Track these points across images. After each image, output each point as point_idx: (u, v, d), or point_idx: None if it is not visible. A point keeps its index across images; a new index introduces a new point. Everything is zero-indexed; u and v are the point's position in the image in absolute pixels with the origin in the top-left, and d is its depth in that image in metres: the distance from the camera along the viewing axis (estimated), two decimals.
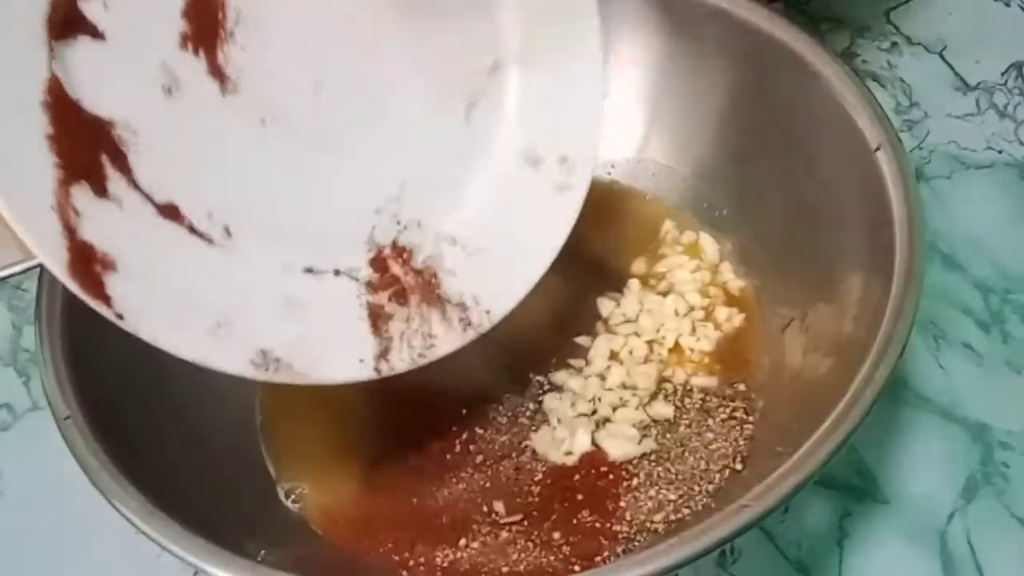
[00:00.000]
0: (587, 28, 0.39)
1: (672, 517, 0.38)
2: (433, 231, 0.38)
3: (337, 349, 0.35)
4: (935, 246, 0.49)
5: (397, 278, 0.36)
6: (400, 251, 0.37)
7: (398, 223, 0.37)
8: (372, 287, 0.36)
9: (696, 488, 0.39)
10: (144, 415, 0.38)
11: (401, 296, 0.36)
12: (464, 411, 0.42)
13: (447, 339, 0.37)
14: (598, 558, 0.37)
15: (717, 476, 0.39)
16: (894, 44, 0.59)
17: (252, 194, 0.34)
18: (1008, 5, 0.60)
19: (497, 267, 0.38)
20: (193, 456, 0.39)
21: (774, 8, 0.43)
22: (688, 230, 0.47)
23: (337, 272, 0.35)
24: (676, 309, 0.45)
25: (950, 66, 0.57)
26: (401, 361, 0.36)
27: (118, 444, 0.34)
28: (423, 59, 0.37)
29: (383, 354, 0.35)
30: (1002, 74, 0.57)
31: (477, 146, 0.39)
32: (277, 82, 0.34)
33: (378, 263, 0.36)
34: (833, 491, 0.42)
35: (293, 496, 0.41)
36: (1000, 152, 0.53)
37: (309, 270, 0.35)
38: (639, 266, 0.47)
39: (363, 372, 0.35)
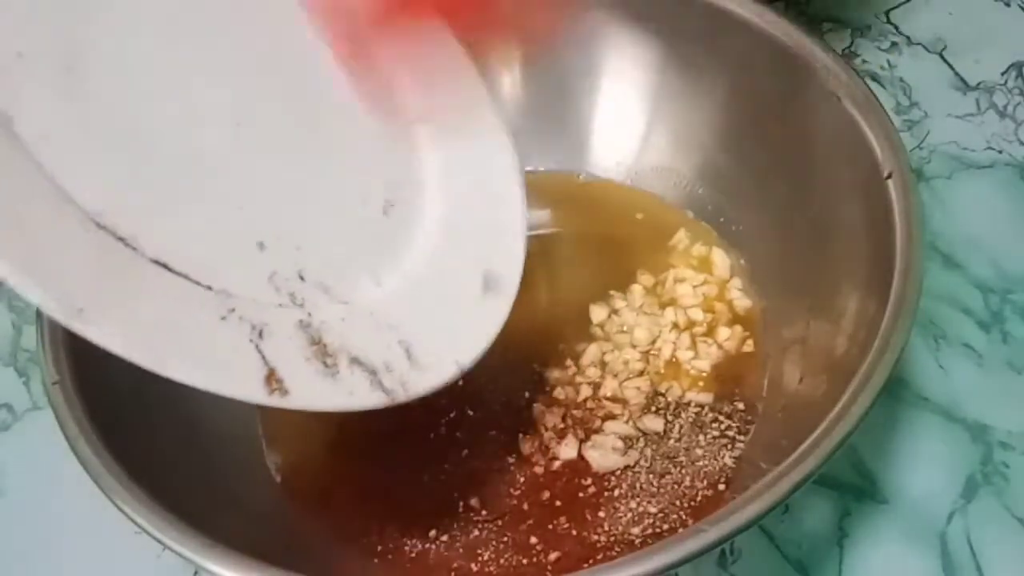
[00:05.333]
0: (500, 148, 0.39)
1: (650, 531, 0.38)
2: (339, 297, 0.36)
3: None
4: (935, 246, 0.49)
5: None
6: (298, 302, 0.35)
7: (301, 278, 0.35)
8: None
9: (677, 503, 0.39)
10: (143, 407, 0.38)
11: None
12: (460, 382, 0.42)
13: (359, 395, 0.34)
14: (572, 565, 0.37)
15: (700, 494, 0.39)
16: (894, 44, 0.59)
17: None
18: (1008, 5, 0.60)
19: (417, 344, 0.36)
20: (187, 440, 0.39)
21: (774, 8, 0.43)
22: (701, 243, 0.47)
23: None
24: (675, 322, 0.45)
25: (950, 66, 0.57)
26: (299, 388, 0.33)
27: (113, 428, 0.35)
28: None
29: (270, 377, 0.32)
30: (1002, 74, 0.57)
31: (397, 239, 0.38)
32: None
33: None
34: (833, 491, 0.42)
35: (275, 465, 0.41)
36: (1000, 152, 0.53)
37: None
38: (646, 273, 0.47)
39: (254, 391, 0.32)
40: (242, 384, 0.31)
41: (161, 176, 0.33)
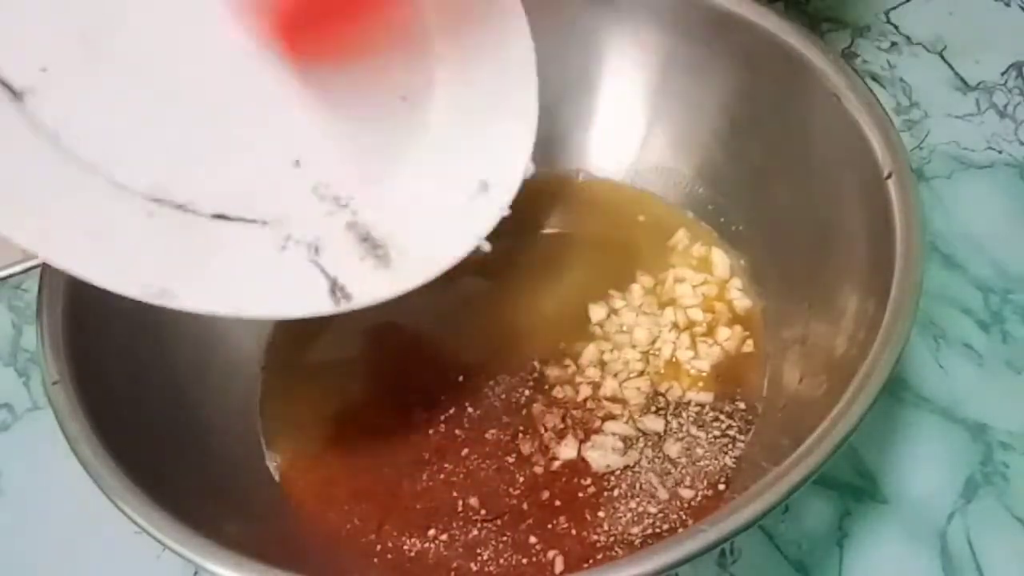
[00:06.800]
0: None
1: (650, 531, 0.38)
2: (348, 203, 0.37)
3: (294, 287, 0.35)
4: (935, 246, 0.49)
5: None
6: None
7: (341, 180, 0.36)
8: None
9: (677, 503, 0.39)
10: (143, 407, 0.38)
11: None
12: (460, 379, 0.43)
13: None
14: (572, 565, 0.37)
15: (700, 494, 0.39)
16: (894, 44, 0.59)
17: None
18: (1008, 5, 0.60)
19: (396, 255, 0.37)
20: (187, 436, 0.39)
21: (774, 8, 0.43)
22: (701, 243, 0.47)
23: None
24: (675, 322, 0.44)
25: (950, 66, 0.58)
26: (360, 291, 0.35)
27: (113, 428, 0.35)
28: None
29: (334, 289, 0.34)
30: (1002, 74, 0.57)
31: (415, 115, 0.39)
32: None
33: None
34: (833, 491, 0.42)
35: (275, 464, 0.41)
36: (1000, 152, 0.53)
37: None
38: (646, 273, 0.47)
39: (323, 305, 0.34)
40: (310, 303, 0.33)
41: (191, 132, 0.33)
